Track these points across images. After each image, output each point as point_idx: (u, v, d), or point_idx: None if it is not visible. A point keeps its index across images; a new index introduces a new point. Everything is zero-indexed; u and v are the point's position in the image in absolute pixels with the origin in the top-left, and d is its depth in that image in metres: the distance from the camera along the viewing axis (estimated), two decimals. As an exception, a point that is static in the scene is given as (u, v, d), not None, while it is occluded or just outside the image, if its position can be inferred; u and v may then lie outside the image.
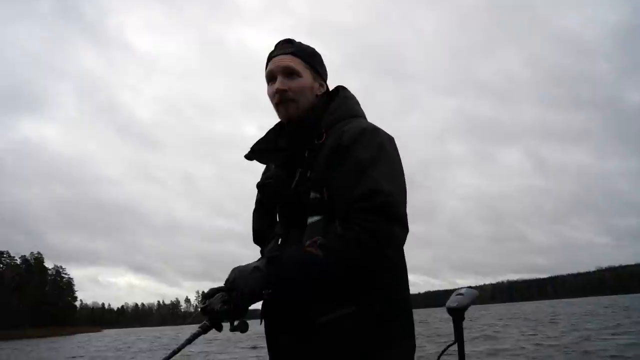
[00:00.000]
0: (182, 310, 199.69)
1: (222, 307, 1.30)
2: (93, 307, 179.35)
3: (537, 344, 11.91)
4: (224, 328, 1.35)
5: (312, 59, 1.58)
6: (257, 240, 1.63)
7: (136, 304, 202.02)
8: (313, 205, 1.39)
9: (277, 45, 1.58)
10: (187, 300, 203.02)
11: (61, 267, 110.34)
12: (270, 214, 1.57)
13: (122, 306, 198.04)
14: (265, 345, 1.53)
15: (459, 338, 1.65)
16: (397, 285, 1.43)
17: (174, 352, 1.31)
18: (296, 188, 1.45)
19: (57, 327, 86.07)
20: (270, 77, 1.54)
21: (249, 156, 1.60)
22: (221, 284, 1.36)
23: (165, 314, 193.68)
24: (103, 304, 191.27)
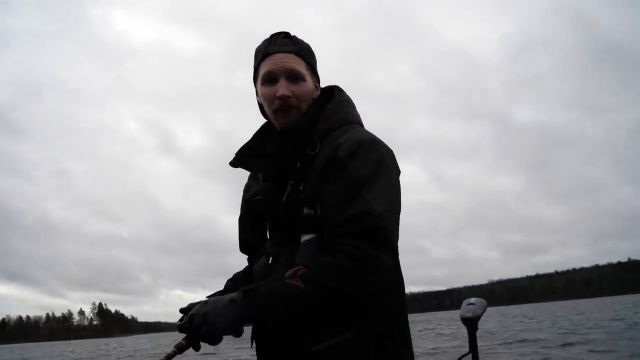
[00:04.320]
0: (75, 323, 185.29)
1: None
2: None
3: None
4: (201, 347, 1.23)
5: (311, 59, 1.44)
6: (243, 249, 1.54)
7: (20, 317, 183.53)
8: (306, 222, 1.29)
9: (274, 39, 1.41)
10: (81, 312, 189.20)
11: None
12: (258, 224, 1.48)
13: (3, 319, 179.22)
14: None
15: (473, 348, 1.65)
16: (394, 308, 1.33)
17: None
18: (287, 202, 1.34)
19: None
20: (269, 78, 1.38)
21: (234, 163, 1.46)
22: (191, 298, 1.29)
23: (55, 328, 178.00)
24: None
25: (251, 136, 1.50)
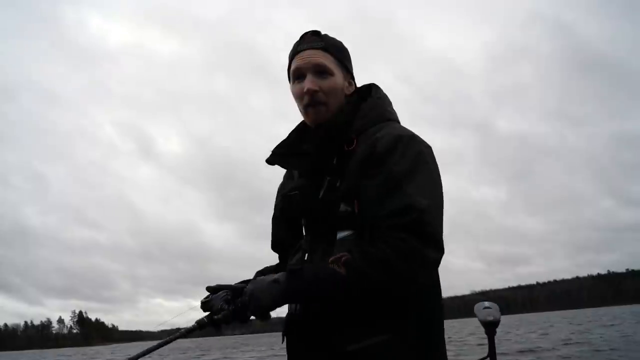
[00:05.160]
0: (54, 331, 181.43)
1: (223, 306, 1.25)
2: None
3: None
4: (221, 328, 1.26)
5: (342, 55, 1.45)
6: (275, 247, 1.53)
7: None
8: (343, 218, 1.28)
9: (303, 38, 1.44)
10: (60, 320, 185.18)
11: None
12: (292, 221, 1.47)
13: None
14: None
15: (492, 352, 1.67)
16: (432, 310, 1.33)
17: (165, 342, 1.24)
18: (324, 199, 1.33)
19: None
20: (298, 75, 1.41)
21: (271, 160, 1.48)
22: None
23: (33, 336, 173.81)
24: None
25: (287, 134, 1.51)
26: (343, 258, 1.18)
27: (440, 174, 1.34)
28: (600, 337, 18.52)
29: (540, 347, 15.52)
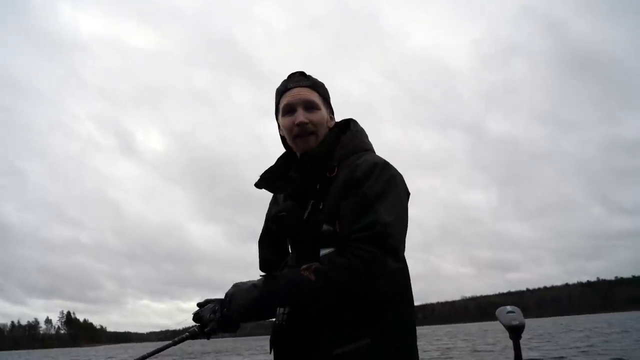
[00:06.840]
0: (42, 332, 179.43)
1: (211, 316, 1.45)
2: None
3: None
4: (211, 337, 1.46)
5: (326, 93, 1.67)
6: (264, 268, 1.65)
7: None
8: (325, 237, 1.44)
9: (291, 78, 1.64)
10: (48, 321, 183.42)
11: None
12: (278, 242, 1.63)
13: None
14: None
15: (518, 357, 1.68)
16: (405, 317, 1.48)
17: (157, 351, 1.41)
18: (308, 220, 1.51)
19: None
20: (289, 109, 1.59)
21: (258, 184, 1.66)
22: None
23: (19, 336, 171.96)
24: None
25: (274, 162, 1.70)
26: (313, 266, 1.36)
27: (408, 200, 1.54)
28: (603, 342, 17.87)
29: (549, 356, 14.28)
